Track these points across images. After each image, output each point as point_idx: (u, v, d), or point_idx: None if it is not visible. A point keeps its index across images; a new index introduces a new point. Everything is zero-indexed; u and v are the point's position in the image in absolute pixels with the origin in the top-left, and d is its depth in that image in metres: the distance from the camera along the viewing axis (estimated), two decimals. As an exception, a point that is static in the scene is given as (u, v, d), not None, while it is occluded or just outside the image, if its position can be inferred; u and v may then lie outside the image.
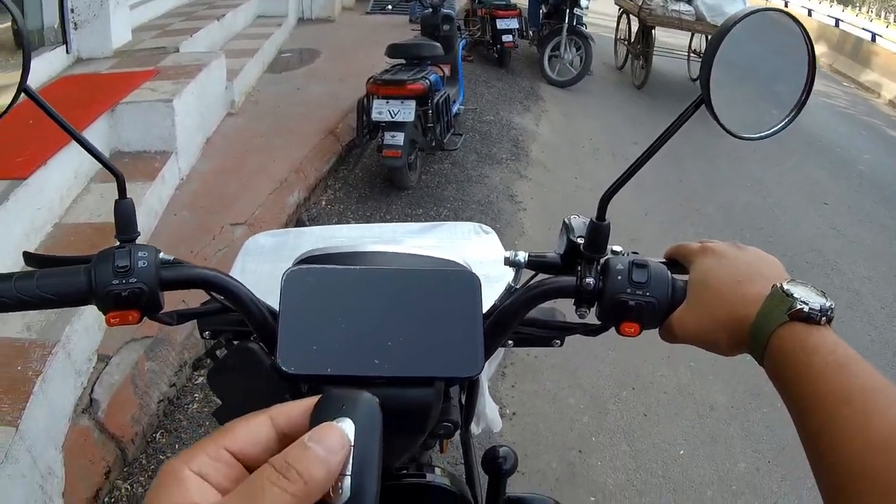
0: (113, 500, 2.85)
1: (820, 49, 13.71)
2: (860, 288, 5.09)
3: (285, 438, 0.51)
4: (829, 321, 0.79)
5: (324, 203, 5.59)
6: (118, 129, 4.75)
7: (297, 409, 0.54)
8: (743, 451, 3.48)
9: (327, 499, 0.48)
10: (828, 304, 0.79)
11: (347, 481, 0.49)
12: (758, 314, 0.83)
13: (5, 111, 0.96)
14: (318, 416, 0.52)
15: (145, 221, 4.14)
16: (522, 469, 3.12)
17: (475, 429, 1.87)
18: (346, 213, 5.49)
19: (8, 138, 3.75)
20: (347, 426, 0.51)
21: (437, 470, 1.30)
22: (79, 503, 2.67)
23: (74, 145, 1.00)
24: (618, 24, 11.42)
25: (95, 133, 4.41)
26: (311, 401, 0.55)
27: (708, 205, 6.27)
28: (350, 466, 0.49)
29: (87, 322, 3.06)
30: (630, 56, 10.70)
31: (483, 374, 1.60)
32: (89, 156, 0.99)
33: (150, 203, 4.26)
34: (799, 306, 0.78)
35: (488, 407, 1.75)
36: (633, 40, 10.40)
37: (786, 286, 0.82)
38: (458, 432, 1.13)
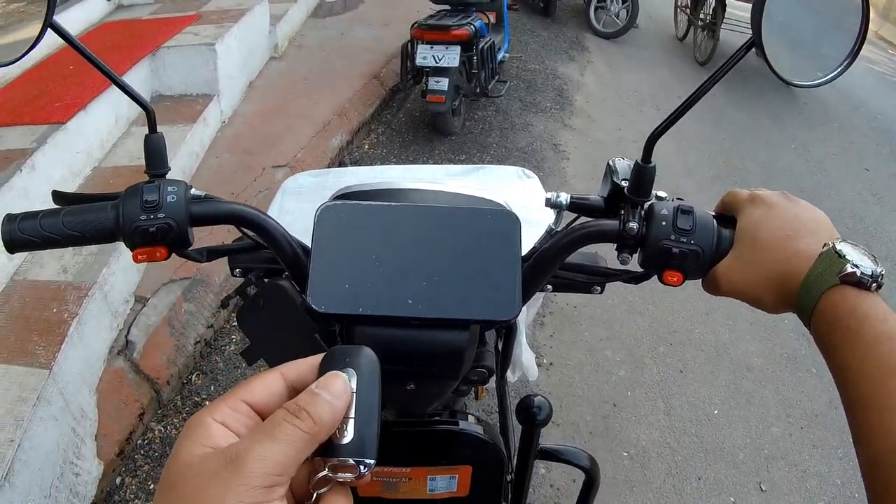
0: (146, 441, 2.88)
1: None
2: (900, 257, 4.97)
3: (294, 392, 0.56)
4: (878, 287, 0.76)
5: (366, 147, 5.57)
6: (160, 73, 4.75)
7: (305, 365, 0.59)
8: (777, 416, 3.43)
9: (334, 439, 0.54)
10: (879, 270, 0.76)
11: (351, 424, 0.55)
12: (808, 274, 0.79)
13: (32, 45, 0.92)
14: (325, 368, 0.58)
15: (186, 163, 4.15)
16: (556, 420, 3.12)
17: (511, 376, 1.85)
18: (389, 158, 5.48)
19: (49, 84, 3.77)
20: (350, 375, 0.57)
21: (471, 418, 1.28)
22: (111, 445, 2.70)
23: (115, 90, 0.97)
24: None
25: (136, 77, 4.42)
26: (317, 358, 0.60)
27: (750, 163, 6.13)
28: (353, 411, 0.55)
29: (125, 263, 3.07)
30: (692, 27, 9.19)
31: (521, 321, 1.57)
32: (130, 100, 0.96)
33: (192, 145, 4.27)
34: (851, 269, 0.75)
35: (525, 354, 1.73)
36: (696, 8, 8.93)
37: (838, 246, 0.78)
38: (493, 379, 1.11)
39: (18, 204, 2.95)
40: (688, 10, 9.31)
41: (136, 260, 0.97)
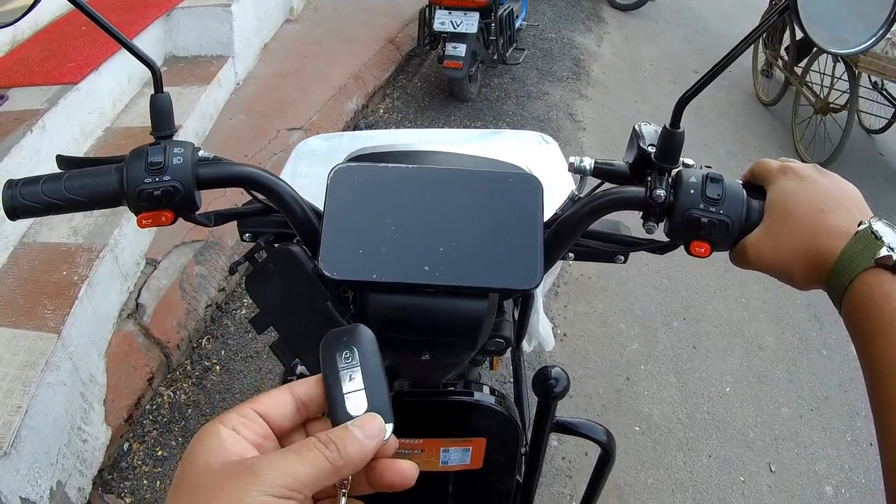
0: (154, 406, 2.87)
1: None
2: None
3: (303, 408, 0.59)
4: None
5: (381, 111, 5.54)
6: (174, 33, 4.69)
7: (314, 382, 0.61)
8: (787, 396, 3.42)
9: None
10: None
11: (363, 396, 0.57)
12: (842, 253, 0.76)
13: (32, 6, 0.89)
14: (325, 352, 0.61)
15: (199, 125, 4.12)
16: (570, 392, 3.09)
17: (527, 346, 1.82)
18: (404, 123, 5.45)
19: (61, 44, 3.73)
20: (352, 352, 0.60)
21: (486, 388, 1.25)
22: (120, 410, 2.69)
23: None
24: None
25: (149, 38, 4.37)
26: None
27: (764, 140, 6.08)
28: (362, 383, 0.58)
29: (136, 225, 3.04)
30: (792, 86, 6.19)
31: (538, 290, 1.54)
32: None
33: (205, 106, 4.23)
34: (887, 252, 0.71)
35: (541, 324, 1.70)
36: (797, 64, 6.18)
37: (875, 226, 0.75)
38: (510, 350, 1.08)
39: (28, 164, 2.93)
40: (788, 69, 6.30)
41: (140, 225, 0.94)
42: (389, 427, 0.57)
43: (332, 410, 0.58)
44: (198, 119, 4.07)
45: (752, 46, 5.92)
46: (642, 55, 7.51)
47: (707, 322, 3.78)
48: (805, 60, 5.97)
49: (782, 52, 6.59)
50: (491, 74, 6.29)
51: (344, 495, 0.56)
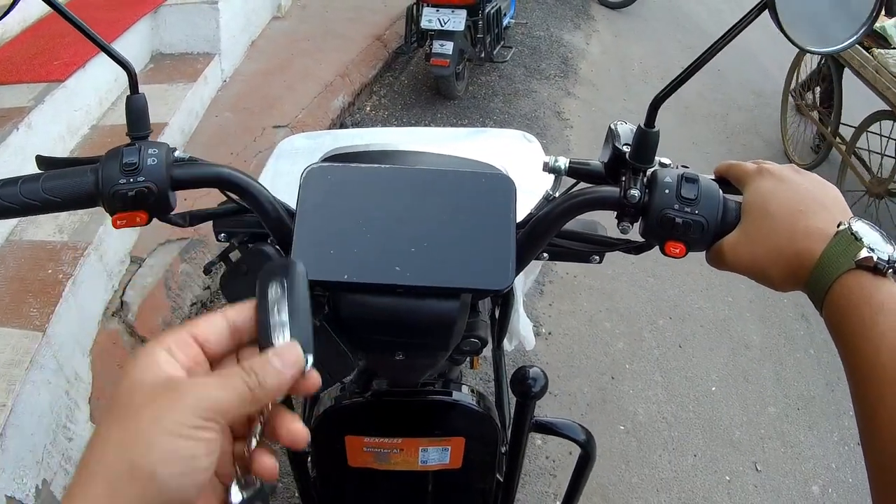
0: (140, 404, 2.85)
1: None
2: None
3: (236, 332, 0.61)
4: (895, 272, 0.72)
5: (368, 109, 5.54)
6: (160, 31, 4.67)
7: (247, 307, 0.62)
8: (774, 395, 3.43)
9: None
10: (895, 253, 0.72)
11: (287, 330, 0.59)
12: (822, 254, 0.76)
13: (11, 7, 0.90)
14: (261, 283, 0.63)
15: (185, 122, 4.10)
16: (554, 391, 3.10)
17: (507, 346, 1.82)
18: (391, 120, 5.45)
19: (48, 42, 3.72)
20: (281, 284, 0.62)
21: (465, 388, 1.25)
22: (105, 409, 2.67)
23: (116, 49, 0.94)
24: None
25: (136, 35, 4.35)
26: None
27: (755, 139, 6.07)
28: (286, 315, 0.60)
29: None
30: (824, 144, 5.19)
31: (518, 289, 1.54)
32: (131, 60, 0.93)
33: (192, 104, 4.21)
34: (867, 254, 0.71)
35: (522, 323, 1.70)
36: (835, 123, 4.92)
37: (854, 227, 0.75)
38: (490, 348, 1.08)
39: (14, 162, 2.92)
40: (831, 130, 4.98)
41: (115, 226, 0.94)
42: (310, 358, 0.58)
43: (259, 340, 0.59)
44: (184, 116, 4.05)
45: (784, 94, 5.70)
46: (631, 53, 7.52)
47: (693, 321, 3.79)
48: (859, 123, 4.55)
49: (812, 98, 5.40)
50: (478, 72, 6.29)
51: (256, 435, 0.58)
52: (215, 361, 0.60)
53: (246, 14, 5.33)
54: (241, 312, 0.62)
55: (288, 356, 0.57)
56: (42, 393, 2.34)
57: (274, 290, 0.62)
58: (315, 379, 0.59)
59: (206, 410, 0.52)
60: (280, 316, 0.60)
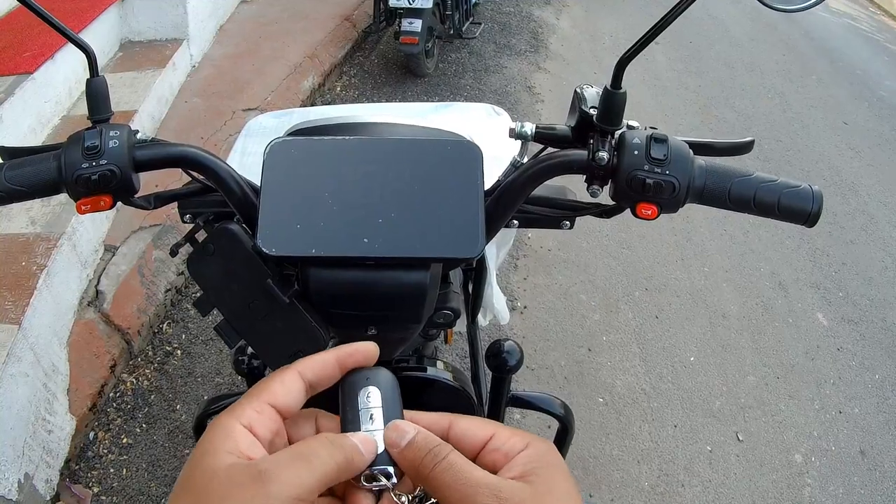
0: (118, 394, 2.85)
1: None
2: (876, 213, 4.93)
3: (312, 390, 0.60)
4: None
5: (338, 89, 5.53)
6: (128, 19, 4.63)
7: (320, 362, 0.61)
8: (753, 364, 3.45)
9: None
10: None
11: (381, 436, 0.58)
12: None
13: None
14: (346, 388, 0.62)
15: (155, 109, 4.06)
16: (531, 365, 3.11)
17: (482, 320, 1.81)
18: (361, 99, 5.45)
19: (16, 35, 3.68)
20: (374, 392, 0.61)
21: (440, 364, 1.24)
22: (83, 399, 2.67)
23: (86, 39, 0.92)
24: None
25: (105, 24, 4.31)
26: (333, 352, 0.62)
27: (727, 112, 6.10)
28: (382, 423, 0.59)
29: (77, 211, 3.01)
30: None
31: (491, 262, 1.53)
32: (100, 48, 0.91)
33: (161, 90, 4.18)
34: None
35: (496, 297, 1.69)
36: None
37: None
38: (465, 323, 1.07)
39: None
40: None
41: (80, 211, 0.92)
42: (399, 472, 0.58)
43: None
44: (154, 103, 4.02)
45: None
46: (602, 28, 7.52)
47: (669, 291, 3.81)
48: None
49: None
50: (448, 49, 6.29)
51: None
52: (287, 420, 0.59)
53: (212, -1, 5.29)
54: (314, 368, 0.60)
55: (369, 443, 0.57)
56: (20, 386, 2.32)
57: (364, 397, 0.61)
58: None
59: (297, 499, 0.49)
60: (373, 425, 0.59)
